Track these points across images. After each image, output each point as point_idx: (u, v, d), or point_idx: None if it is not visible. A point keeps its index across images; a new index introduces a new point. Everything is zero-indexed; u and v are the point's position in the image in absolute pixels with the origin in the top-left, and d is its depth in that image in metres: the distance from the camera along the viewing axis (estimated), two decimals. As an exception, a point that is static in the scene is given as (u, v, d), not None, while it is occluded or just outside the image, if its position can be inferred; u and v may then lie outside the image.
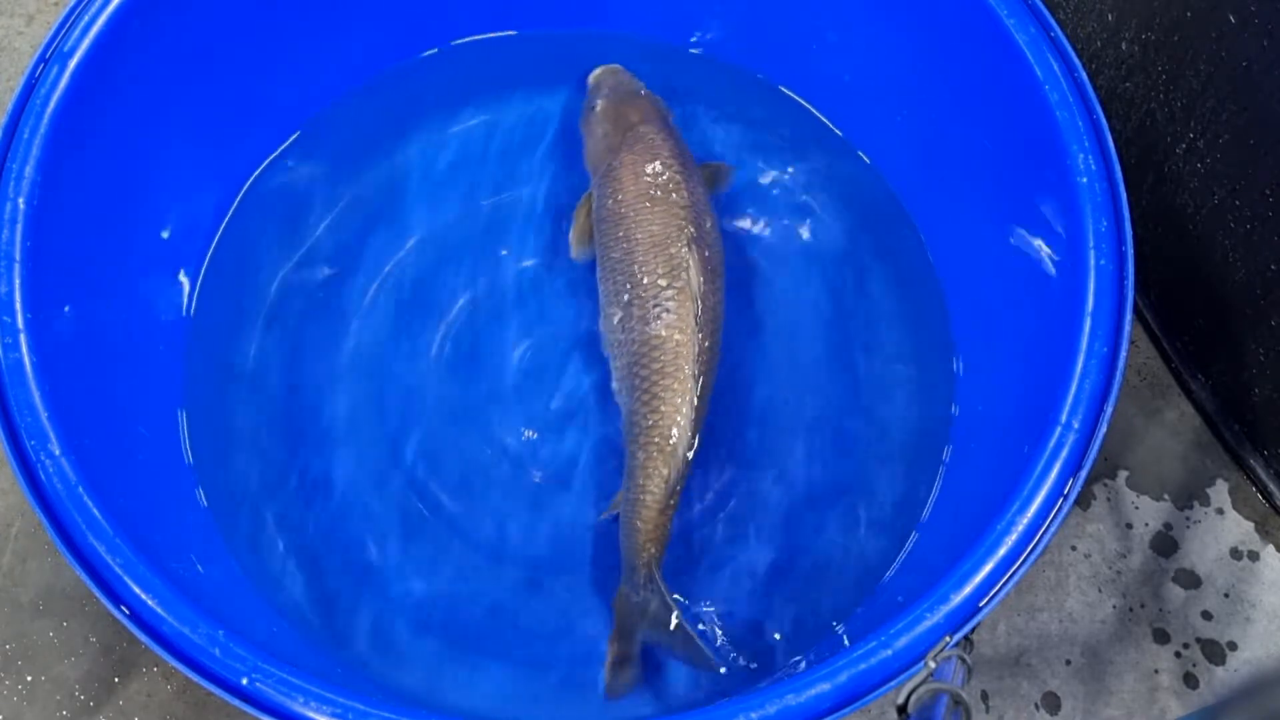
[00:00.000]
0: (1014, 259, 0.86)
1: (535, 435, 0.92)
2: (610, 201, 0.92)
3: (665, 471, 0.82)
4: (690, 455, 0.83)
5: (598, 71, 1.02)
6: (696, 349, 0.85)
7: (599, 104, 0.99)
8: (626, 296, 0.88)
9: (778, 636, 0.85)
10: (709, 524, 0.90)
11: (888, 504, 0.90)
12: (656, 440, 0.83)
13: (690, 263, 0.87)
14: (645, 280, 0.87)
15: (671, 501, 0.82)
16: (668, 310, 0.86)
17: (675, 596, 0.82)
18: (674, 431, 0.83)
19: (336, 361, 0.95)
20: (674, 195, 0.90)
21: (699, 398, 0.84)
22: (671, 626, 0.80)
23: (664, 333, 0.85)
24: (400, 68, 1.04)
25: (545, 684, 0.85)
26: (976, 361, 0.91)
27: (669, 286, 0.86)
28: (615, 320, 0.88)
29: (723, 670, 0.82)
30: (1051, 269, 0.79)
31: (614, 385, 0.89)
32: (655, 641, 0.82)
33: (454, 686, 0.85)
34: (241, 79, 0.93)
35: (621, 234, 0.90)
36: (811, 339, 0.97)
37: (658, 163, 0.92)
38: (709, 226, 0.90)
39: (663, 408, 0.84)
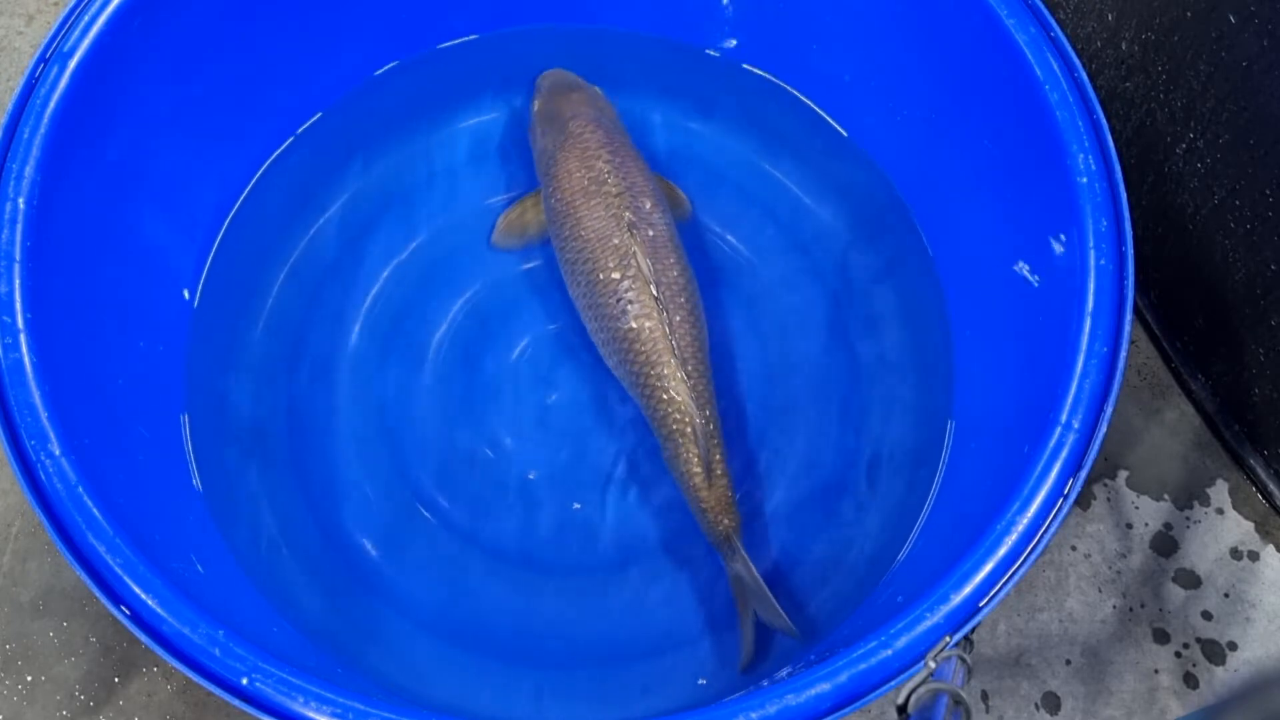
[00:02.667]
0: (1013, 258, 0.86)
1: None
2: (553, 201, 0.93)
3: (695, 450, 0.84)
4: (712, 426, 0.85)
5: (541, 76, 1.03)
6: (668, 328, 0.85)
7: (536, 106, 1.00)
8: (592, 297, 0.89)
9: (778, 636, 0.85)
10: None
11: (888, 503, 0.90)
12: (675, 426, 0.84)
13: (635, 249, 0.87)
14: (601, 277, 0.88)
15: (717, 472, 0.84)
16: (630, 302, 0.86)
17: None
18: (685, 412, 0.84)
19: (337, 362, 0.95)
20: (608, 184, 0.91)
21: (694, 372, 0.85)
22: (755, 591, 0.82)
23: (634, 324, 0.86)
24: (404, 66, 1.04)
25: (544, 683, 0.85)
26: (976, 361, 0.91)
27: (623, 278, 0.87)
28: (593, 324, 0.89)
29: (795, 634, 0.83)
30: (1051, 269, 0.79)
31: (622, 384, 0.89)
32: (755, 607, 0.84)
33: (453, 686, 0.85)
34: (241, 80, 0.93)
35: (568, 233, 0.91)
36: (810, 338, 0.97)
37: (588, 156, 0.92)
38: (649, 207, 0.90)
39: (664, 395, 0.85)
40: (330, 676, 0.63)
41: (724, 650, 0.86)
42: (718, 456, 0.84)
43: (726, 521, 0.84)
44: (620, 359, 0.87)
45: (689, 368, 0.85)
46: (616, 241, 0.88)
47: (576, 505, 0.91)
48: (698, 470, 0.84)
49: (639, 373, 0.86)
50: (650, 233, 0.89)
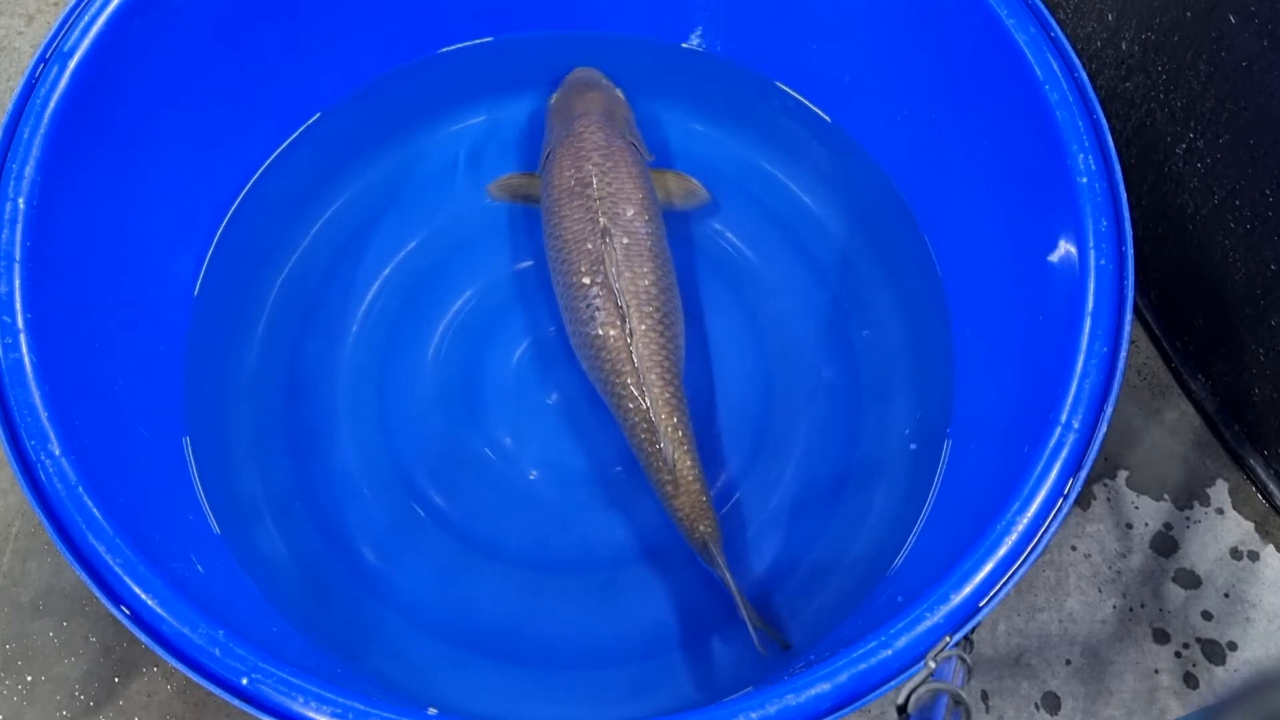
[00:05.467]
0: (1014, 258, 0.86)
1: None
2: (545, 197, 0.93)
3: (661, 459, 0.83)
4: (681, 434, 0.84)
5: (571, 71, 1.03)
6: (630, 338, 0.85)
7: (552, 100, 1.00)
8: (566, 299, 0.89)
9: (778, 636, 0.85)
10: (709, 524, 0.90)
11: (888, 504, 0.90)
12: (643, 435, 0.84)
13: (605, 256, 0.87)
14: (574, 280, 0.88)
15: (688, 478, 0.83)
16: (598, 309, 0.86)
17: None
18: (650, 421, 0.84)
19: (336, 362, 0.95)
20: (592, 187, 0.90)
21: (658, 381, 0.84)
22: (735, 599, 0.81)
23: (601, 331, 0.86)
24: (401, 70, 1.04)
25: (543, 683, 0.85)
26: (976, 361, 0.91)
27: (593, 284, 0.87)
28: (568, 326, 0.90)
29: (764, 652, 0.81)
30: (1051, 269, 0.79)
31: (595, 388, 0.89)
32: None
33: (453, 686, 0.85)
34: (240, 81, 0.93)
35: (551, 231, 0.91)
36: (810, 338, 0.97)
37: (581, 157, 0.92)
38: (631, 214, 0.90)
39: (630, 403, 0.85)
40: (330, 676, 0.63)
41: (725, 650, 0.86)
42: (688, 463, 0.84)
43: (702, 528, 0.83)
44: (589, 365, 0.88)
45: (651, 377, 0.84)
46: (590, 246, 0.88)
47: (576, 505, 0.91)
48: (667, 478, 0.83)
49: (604, 379, 0.86)
50: (625, 240, 0.88)
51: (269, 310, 0.96)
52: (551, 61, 1.05)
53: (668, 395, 0.84)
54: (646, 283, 0.87)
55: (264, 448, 0.92)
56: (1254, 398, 0.94)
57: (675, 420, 0.84)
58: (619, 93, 1.01)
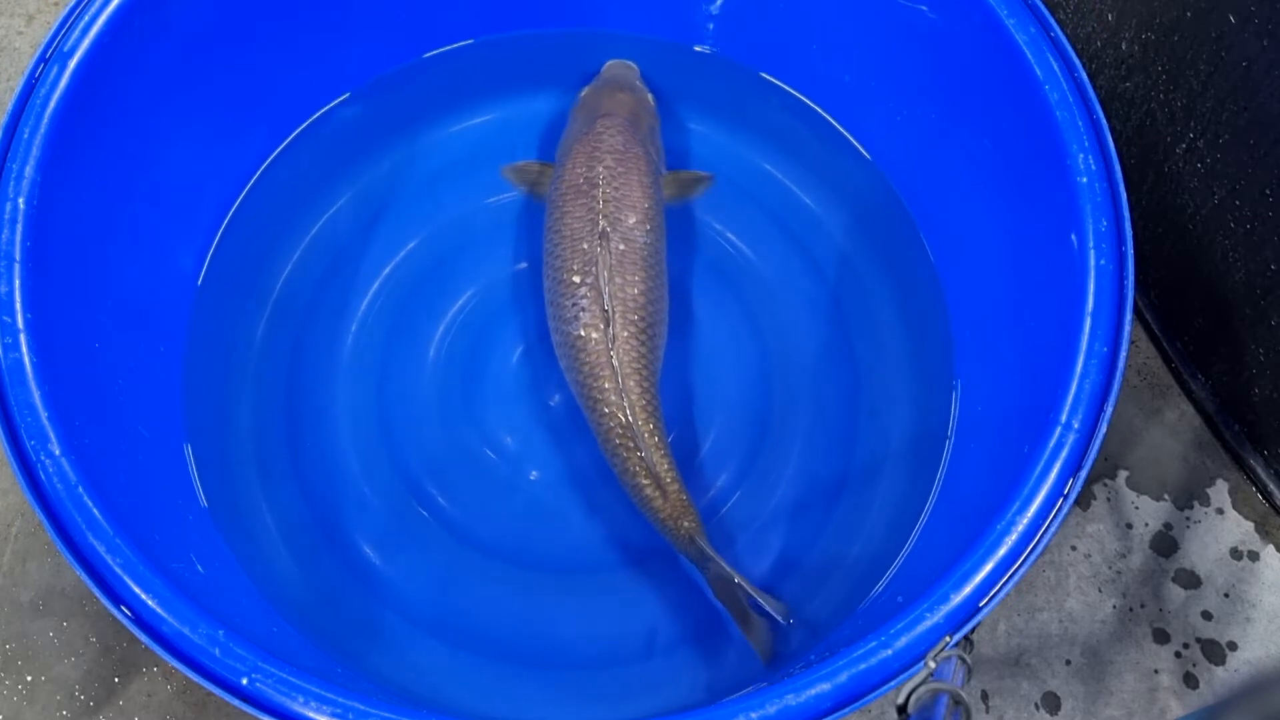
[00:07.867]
0: (1013, 259, 0.86)
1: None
2: (552, 189, 0.93)
3: (641, 465, 0.83)
4: (657, 438, 0.84)
5: (608, 63, 1.03)
6: (611, 343, 0.85)
7: (582, 92, 1.00)
8: (554, 294, 0.89)
9: (777, 637, 0.85)
10: (708, 525, 0.89)
11: (887, 504, 0.90)
12: (619, 440, 0.84)
13: (598, 259, 0.87)
14: (564, 277, 0.88)
15: (666, 480, 0.83)
16: (584, 309, 0.86)
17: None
18: (632, 427, 0.83)
19: (337, 363, 0.95)
20: (598, 189, 0.91)
21: (635, 388, 0.84)
22: (734, 582, 0.81)
23: (583, 332, 0.86)
24: (403, 68, 1.04)
25: (544, 683, 0.85)
26: (976, 361, 0.91)
27: (582, 284, 0.87)
28: (550, 322, 0.90)
29: (790, 621, 0.81)
30: (1051, 269, 0.79)
31: (570, 390, 0.89)
32: (738, 598, 0.82)
33: (453, 686, 0.85)
34: (241, 80, 0.93)
35: (552, 225, 0.91)
36: (811, 339, 0.97)
37: (594, 157, 0.92)
38: (633, 221, 0.90)
39: (605, 408, 0.84)
40: (330, 676, 0.63)
41: (725, 650, 0.86)
42: (665, 465, 0.84)
43: (686, 524, 0.83)
44: (567, 364, 0.88)
45: (630, 383, 0.84)
46: (585, 246, 0.88)
47: (576, 505, 0.91)
48: (646, 482, 0.83)
49: (581, 381, 0.86)
50: (621, 246, 0.88)
51: (269, 311, 0.96)
52: (554, 60, 1.05)
53: (644, 402, 0.84)
54: (635, 291, 0.87)
55: (264, 447, 0.92)
56: (1254, 398, 0.94)
57: (652, 426, 0.84)
58: (650, 98, 1.01)
